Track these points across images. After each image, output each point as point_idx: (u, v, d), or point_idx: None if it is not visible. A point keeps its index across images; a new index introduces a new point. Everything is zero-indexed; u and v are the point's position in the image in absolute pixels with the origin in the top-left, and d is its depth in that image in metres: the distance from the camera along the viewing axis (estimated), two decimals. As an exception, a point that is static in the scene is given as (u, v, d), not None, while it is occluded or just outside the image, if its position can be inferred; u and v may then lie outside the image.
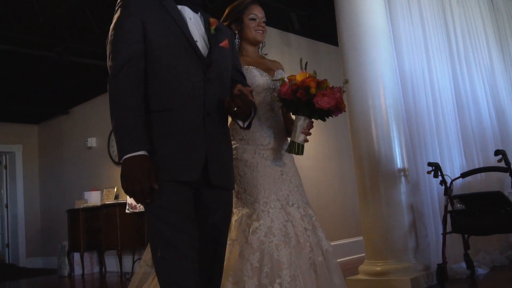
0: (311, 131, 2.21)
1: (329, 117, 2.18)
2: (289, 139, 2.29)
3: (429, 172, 3.74)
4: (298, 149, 2.19)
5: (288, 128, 2.40)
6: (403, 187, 3.67)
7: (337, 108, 2.11)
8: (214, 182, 1.75)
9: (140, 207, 5.98)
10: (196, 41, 1.77)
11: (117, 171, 7.21)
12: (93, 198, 7.23)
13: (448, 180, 3.78)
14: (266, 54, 2.52)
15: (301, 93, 2.08)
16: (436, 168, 3.71)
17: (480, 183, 4.42)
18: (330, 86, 2.12)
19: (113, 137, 7.07)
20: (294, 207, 2.23)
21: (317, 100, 2.06)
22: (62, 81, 7.03)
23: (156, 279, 2.19)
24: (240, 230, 2.15)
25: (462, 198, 3.71)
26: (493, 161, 4.16)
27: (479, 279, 3.74)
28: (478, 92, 4.82)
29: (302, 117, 2.17)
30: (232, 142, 2.23)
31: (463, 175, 3.97)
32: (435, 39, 4.46)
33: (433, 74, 4.32)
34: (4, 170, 9.03)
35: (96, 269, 7.23)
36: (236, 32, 2.36)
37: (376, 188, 3.67)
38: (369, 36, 3.80)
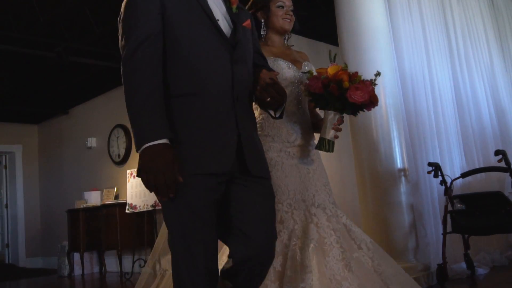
0: (340, 126, 2.08)
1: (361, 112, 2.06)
2: (315, 134, 2.18)
3: (429, 172, 3.74)
4: (328, 146, 2.05)
5: (314, 123, 2.27)
6: (403, 187, 3.66)
7: (371, 102, 2.00)
8: (253, 170, 1.56)
9: (140, 208, 5.98)
10: (218, 20, 1.59)
11: (117, 171, 7.21)
12: (93, 198, 7.22)
13: (448, 180, 3.77)
14: (292, 46, 2.41)
15: (334, 87, 1.95)
16: (436, 168, 3.71)
17: (480, 183, 4.41)
18: (362, 79, 2.01)
19: (113, 137, 7.07)
20: (320, 208, 2.10)
21: (350, 94, 1.94)
22: (62, 81, 7.03)
23: (161, 284, 2.20)
24: None
25: (462, 198, 3.71)
26: (493, 161, 4.16)
27: (479, 279, 3.73)
28: (478, 92, 4.82)
29: (332, 112, 2.04)
30: None
31: (463, 175, 3.97)
32: (435, 39, 4.46)
33: (433, 74, 4.32)
34: (4, 170, 9.02)
35: (96, 269, 7.23)
36: (262, 20, 2.26)
37: (376, 188, 3.66)
38: (369, 36, 3.80)
